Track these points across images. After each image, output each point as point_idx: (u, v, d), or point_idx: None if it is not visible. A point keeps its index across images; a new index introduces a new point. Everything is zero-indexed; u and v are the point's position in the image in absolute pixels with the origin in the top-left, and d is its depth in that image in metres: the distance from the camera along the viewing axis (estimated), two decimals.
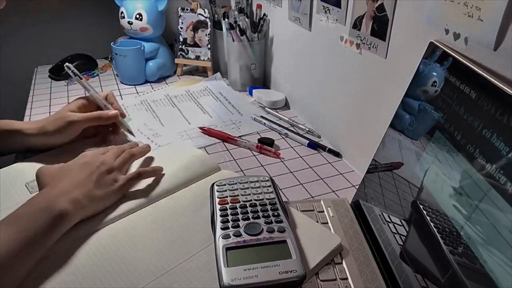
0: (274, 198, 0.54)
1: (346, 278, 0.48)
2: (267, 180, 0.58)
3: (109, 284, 0.46)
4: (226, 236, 0.48)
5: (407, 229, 0.47)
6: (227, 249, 0.46)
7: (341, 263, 0.50)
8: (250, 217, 0.51)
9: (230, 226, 0.49)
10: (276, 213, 0.51)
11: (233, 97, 1.00)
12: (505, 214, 0.34)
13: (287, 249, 0.46)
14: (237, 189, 0.56)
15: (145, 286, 0.46)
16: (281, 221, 0.50)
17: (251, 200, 0.54)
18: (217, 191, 0.56)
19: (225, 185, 0.57)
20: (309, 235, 0.52)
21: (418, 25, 0.54)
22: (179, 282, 0.46)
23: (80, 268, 0.48)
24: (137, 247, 0.51)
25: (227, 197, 0.55)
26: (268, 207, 0.53)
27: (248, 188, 0.56)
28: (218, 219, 0.51)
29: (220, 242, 0.47)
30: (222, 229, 0.49)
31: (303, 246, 0.50)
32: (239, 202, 0.54)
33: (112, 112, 0.70)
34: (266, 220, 0.50)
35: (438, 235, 0.42)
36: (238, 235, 0.48)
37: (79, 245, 0.52)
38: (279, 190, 0.57)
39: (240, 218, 0.51)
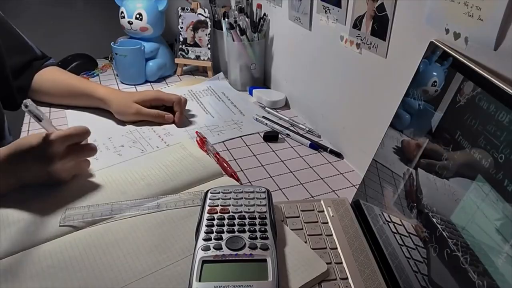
0: (265, 212, 0.52)
1: (346, 278, 0.48)
2: (263, 192, 0.56)
3: (83, 282, 0.47)
4: (206, 248, 0.46)
5: (426, 252, 0.43)
6: (204, 262, 0.44)
7: (341, 263, 0.50)
8: (236, 230, 0.49)
9: (212, 238, 0.47)
10: (263, 229, 0.49)
11: (235, 97, 1.00)
12: (504, 212, 0.34)
13: (266, 269, 0.44)
14: (230, 198, 0.54)
15: None
16: (266, 238, 0.48)
17: (241, 212, 0.52)
18: (209, 199, 0.54)
19: (219, 193, 0.55)
20: (296, 257, 0.50)
21: (418, 25, 0.54)
22: None
23: (61, 263, 0.49)
24: (120, 249, 0.51)
25: (217, 206, 0.53)
26: (257, 221, 0.50)
27: (241, 198, 0.54)
28: (203, 228, 0.49)
29: (198, 254, 0.45)
30: (204, 240, 0.47)
31: (287, 267, 0.48)
32: (229, 212, 0.52)
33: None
34: (251, 235, 0.48)
35: (459, 253, 0.39)
36: (218, 248, 0.46)
37: (65, 240, 0.53)
38: (273, 204, 0.55)
39: (224, 230, 0.49)
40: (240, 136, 0.82)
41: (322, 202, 0.60)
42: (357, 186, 0.62)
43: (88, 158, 0.65)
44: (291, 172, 0.72)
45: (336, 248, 0.52)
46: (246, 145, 0.80)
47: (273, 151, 0.78)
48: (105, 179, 0.64)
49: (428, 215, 0.44)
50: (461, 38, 0.47)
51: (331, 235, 0.54)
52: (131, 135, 0.80)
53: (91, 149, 0.64)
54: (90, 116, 0.89)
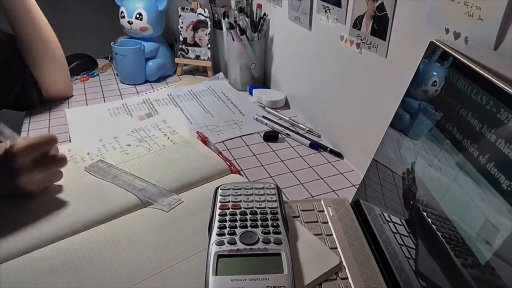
0: (276, 208, 0.53)
1: (346, 278, 0.48)
2: (273, 188, 0.56)
3: (99, 279, 0.47)
4: (220, 243, 0.47)
5: (415, 243, 0.45)
6: (219, 256, 0.45)
7: (341, 263, 0.50)
8: (248, 225, 0.49)
9: (226, 233, 0.48)
10: (275, 224, 0.50)
11: (235, 97, 1.00)
12: (505, 216, 0.34)
13: (280, 263, 0.44)
14: (240, 194, 0.55)
15: (133, 286, 0.46)
16: (279, 233, 0.48)
17: (252, 208, 0.52)
18: (220, 195, 0.55)
19: (229, 189, 0.56)
20: (309, 251, 0.50)
21: (418, 25, 0.54)
22: (167, 286, 0.46)
23: (75, 260, 0.50)
24: (133, 245, 0.52)
25: (229, 202, 0.54)
26: (269, 216, 0.51)
27: (252, 194, 0.55)
28: (216, 224, 0.50)
29: (213, 249, 0.46)
30: (217, 235, 0.48)
31: (300, 261, 0.49)
32: (240, 208, 0.52)
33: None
34: (264, 230, 0.49)
35: (448, 246, 0.40)
36: (232, 242, 0.47)
37: (77, 237, 0.53)
38: (283, 200, 0.56)
39: (237, 226, 0.49)
40: (240, 136, 0.83)
41: (322, 202, 0.60)
42: (357, 186, 0.62)
43: (61, 169, 0.61)
44: (291, 172, 0.72)
45: (336, 248, 0.52)
46: (246, 145, 0.80)
47: (273, 151, 0.78)
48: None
49: (424, 214, 0.44)
50: (461, 38, 0.47)
51: (331, 234, 0.54)
52: (137, 133, 0.81)
53: (61, 160, 0.59)
54: (91, 115, 0.89)
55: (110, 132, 0.80)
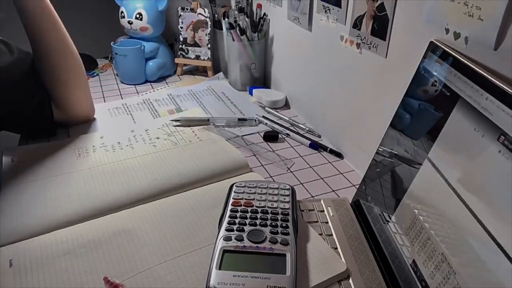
0: (288, 209, 0.53)
1: (347, 278, 0.48)
2: (287, 189, 0.57)
3: (110, 263, 0.49)
4: (227, 238, 0.47)
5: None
6: (225, 251, 0.46)
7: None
8: (258, 223, 0.50)
9: (234, 229, 0.49)
10: (285, 224, 0.50)
11: (235, 97, 1.00)
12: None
13: (284, 264, 0.45)
14: (254, 193, 0.56)
15: (140, 272, 0.48)
16: (287, 234, 0.49)
17: (264, 207, 0.53)
18: (234, 192, 0.56)
19: (244, 186, 0.57)
20: (316, 255, 0.50)
21: (418, 25, 0.54)
22: (172, 275, 0.48)
23: (91, 243, 0.52)
24: (146, 232, 0.54)
25: (242, 199, 0.54)
26: (279, 216, 0.51)
27: (265, 193, 0.56)
28: (226, 219, 0.51)
29: (220, 243, 0.47)
30: (226, 230, 0.49)
31: (307, 265, 0.49)
32: (252, 206, 0.53)
33: None
34: (272, 230, 0.49)
35: (443, 245, 0.41)
36: (239, 239, 0.47)
37: (96, 223, 0.56)
38: (296, 202, 0.56)
39: (247, 223, 0.50)
40: (241, 136, 0.83)
41: (322, 202, 0.60)
42: (357, 186, 0.62)
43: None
44: (291, 172, 0.72)
45: (336, 248, 0.52)
46: (246, 145, 0.80)
47: (273, 151, 0.78)
48: (138, 166, 0.68)
49: (415, 211, 0.44)
50: (461, 38, 0.47)
51: (331, 235, 0.55)
52: (167, 128, 0.83)
53: None
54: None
55: (143, 124, 0.84)
